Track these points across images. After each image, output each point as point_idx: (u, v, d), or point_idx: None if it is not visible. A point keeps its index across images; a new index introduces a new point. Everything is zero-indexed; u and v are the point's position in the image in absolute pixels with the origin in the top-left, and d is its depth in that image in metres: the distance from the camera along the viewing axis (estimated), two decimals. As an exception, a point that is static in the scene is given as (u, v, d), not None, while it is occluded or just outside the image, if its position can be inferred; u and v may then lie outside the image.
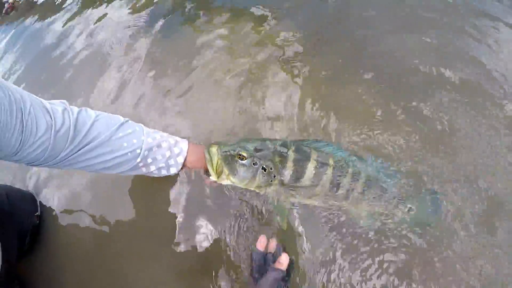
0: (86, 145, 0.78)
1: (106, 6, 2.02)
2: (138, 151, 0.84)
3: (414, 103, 1.10)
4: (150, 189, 1.14)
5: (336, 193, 0.84)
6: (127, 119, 0.88)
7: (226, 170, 0.81)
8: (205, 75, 1.34)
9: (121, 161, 0.84)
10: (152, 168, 0.89)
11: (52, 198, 1.28)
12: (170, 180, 1.11)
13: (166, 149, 0.89)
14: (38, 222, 1.24)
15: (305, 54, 1.30)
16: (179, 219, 1.06)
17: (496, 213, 0.90)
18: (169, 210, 1.08)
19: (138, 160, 0.85)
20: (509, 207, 0.91)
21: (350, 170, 0.82)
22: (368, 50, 1.27)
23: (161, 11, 1.75)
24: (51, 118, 0.73)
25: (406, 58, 1.22)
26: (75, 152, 0.78)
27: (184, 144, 0.91)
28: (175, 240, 1.03)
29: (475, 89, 1.11)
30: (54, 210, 1.25)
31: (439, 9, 1.35)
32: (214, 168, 0.81)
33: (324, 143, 0.86)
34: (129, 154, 0.84)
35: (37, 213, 1.24)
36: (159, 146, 0.88)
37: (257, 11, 1.52)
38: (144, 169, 0.89)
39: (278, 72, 1.26)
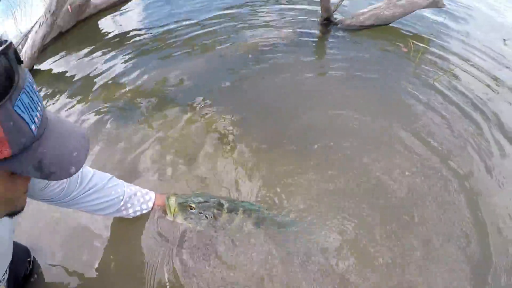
0: (88, 190, 1.05)
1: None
2: (121, 197, 1.12)
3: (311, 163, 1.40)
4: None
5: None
6: (112, 175, 1.14)
7: (179, 216, 1.15)
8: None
9: (109, 205, 1.11)
10: (130, 211, 1.16)
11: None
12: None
13: (140, 197, 1.18)
14: (31, 267, 1.19)
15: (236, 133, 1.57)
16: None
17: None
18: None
19: (121, 204, 1.13)
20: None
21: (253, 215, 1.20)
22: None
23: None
24: None
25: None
26: (81, 195, 1.03)
27: (152, 194, 1.21)
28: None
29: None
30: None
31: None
32: (172, 212, 1.15)
33: (244, 202, 1.26)
34: (115, 199, 1.11)
35: (29, 259, 1.23)
36: (135, 194, 1.17)
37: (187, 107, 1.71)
38: (124, 212, 1.16)
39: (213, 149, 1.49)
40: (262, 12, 2.56)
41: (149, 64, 2.01)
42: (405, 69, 1.98)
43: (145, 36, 2.30)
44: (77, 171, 0.59)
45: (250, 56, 2.05)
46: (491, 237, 1.16)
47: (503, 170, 1.39)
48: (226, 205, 1.18)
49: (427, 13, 2.57)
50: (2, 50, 0.47)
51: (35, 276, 1.17)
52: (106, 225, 1.26)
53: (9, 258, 0.94)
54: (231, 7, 2.62)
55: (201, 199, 1.19)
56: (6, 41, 0.49)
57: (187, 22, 2.42)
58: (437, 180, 1.33)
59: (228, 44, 2.17)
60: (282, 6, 2.64)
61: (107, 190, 1.09)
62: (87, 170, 1.07)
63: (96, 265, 1.16)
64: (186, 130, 1.57)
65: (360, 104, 1.67)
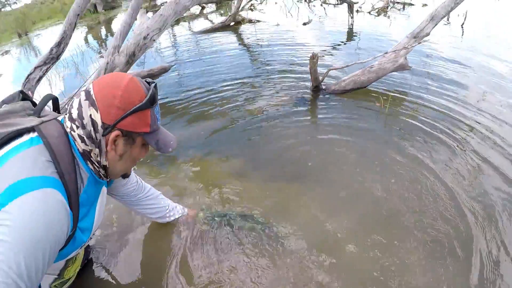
0: (147, 196, 1.50)
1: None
2: (167, 207, 1.61)
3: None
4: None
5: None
6: (160, 192, 1.60)
7: (204, 223, 1.66)
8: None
9: (158, 211, 1.58)
10: (172, 218, 1.63)
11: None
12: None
13: (179, 209, 1.67)
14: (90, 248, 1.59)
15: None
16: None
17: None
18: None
19: (167, 211, 1.60)
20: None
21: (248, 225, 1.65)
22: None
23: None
24: (136, 177, 1.46)
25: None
26: (143, 198, 1.49)
27: (185, 208, 1.70)
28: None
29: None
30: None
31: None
32: (199, 219, 1.67)
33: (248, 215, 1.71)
34: (163, 208, 1.59)
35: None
36: (175, 207, 1.66)
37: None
38: (167, 218, 1.62)
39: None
40: (263, 81, 3.30)
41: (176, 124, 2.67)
42: (378, 118, 2.57)
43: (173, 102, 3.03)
44: (171, 151, 1.05)
45: (256, 117, 2.71)
46: None
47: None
48: (233, 215, 1.69)
49: (396, 74, 3.23)
50: (154, 84, 0.97)
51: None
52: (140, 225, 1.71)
53: (100, 220, 1.17)
54: (238, 78, 3.38)
55: (218, 213, 1.73)
56: (153, 81, 0.98)
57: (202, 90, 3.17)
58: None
59: (237, 109, 2.86)
60: (281, 75, 3.39)
61: (159, 200, 1.56)
62: (146, 184, 1.51)
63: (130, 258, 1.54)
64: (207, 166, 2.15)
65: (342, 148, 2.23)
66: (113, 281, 1.47)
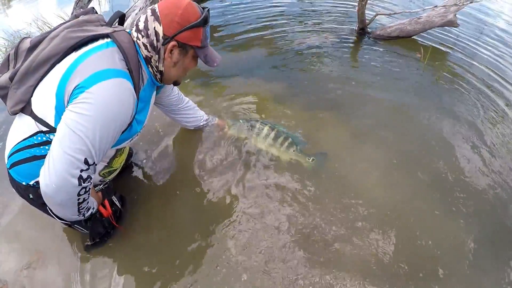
0: (186, 107, 1.80)
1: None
2: (203, 117, 1.91)
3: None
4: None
5: (273, 142, 1.86)
6: (195, 104, 1.87)
7: (231, 127, 1.93)
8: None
9: (195, 119, 1.88)
10: (204, 125, 1.93)
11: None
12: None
13: (211, 119, 1.96)
14: (133, 151, 1.87)
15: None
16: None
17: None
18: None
19: (202, 120, 1.90)
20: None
21: (282, 136, 1.86)
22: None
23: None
24: (177, 90, 1.71)
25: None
26: (183, 108, 1.78)
27: (215, 118, 1.99)
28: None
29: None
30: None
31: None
32: (228, 125, 1.93)
33: (272, 122, 1.96)
34: (199, 117, 1.89)
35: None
36: (208, 117, 1.95)
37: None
38: (201, 126, 1.93)
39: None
40: (311, 18, 3.36)
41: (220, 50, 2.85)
42: (415, 68, 2.69)
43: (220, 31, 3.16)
44: (216, 66, 1.27)
45: (299, 50, 2.84)
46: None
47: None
48: (260, 122, 1.93)
49: (444, 29, 3.23)
50: (208, 9, 1.19)
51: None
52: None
53: (148, 119, 1.37)
54: (286, 14, 3.43)
55: (244, 121, 1.97)
56: (207, 7, 1.21)
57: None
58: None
59: (285, 41, 2.99)
60: (328, 14, 3.42)
61: (195, 110, 1.87)
62: (185, 97, 1.78)
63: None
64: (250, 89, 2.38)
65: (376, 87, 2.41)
66: (148, 181, 1.77)
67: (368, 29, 3.15)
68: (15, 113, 1.12)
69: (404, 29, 3.05)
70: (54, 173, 1.00)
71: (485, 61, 2.86)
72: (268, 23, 3.29)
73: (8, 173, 1.20)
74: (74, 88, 1.02)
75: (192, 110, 1.85)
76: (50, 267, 1.44)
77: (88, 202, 1.20)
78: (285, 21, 3.33)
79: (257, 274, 1.38)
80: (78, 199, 1.10)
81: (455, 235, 1.54)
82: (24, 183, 1.17)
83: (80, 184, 1.05)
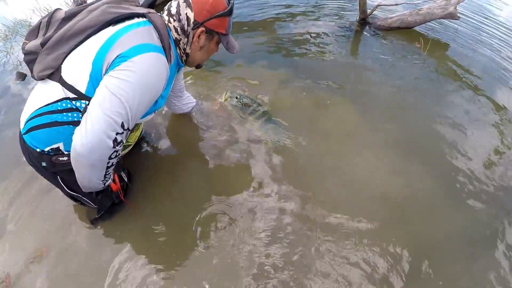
0: (186, 93, 1.88)
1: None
2: (196, 101, 1.96)
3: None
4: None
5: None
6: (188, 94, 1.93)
7: (228, 100, 1.96)
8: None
9: (192, 105, 1.93)
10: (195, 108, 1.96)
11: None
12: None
13: (200, 102, 1.99)
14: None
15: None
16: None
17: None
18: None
19: (197, 105, 1.95)
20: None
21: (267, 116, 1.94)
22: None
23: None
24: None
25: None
26: (184, 94, 1.86)
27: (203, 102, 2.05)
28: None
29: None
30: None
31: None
32: (224, 97, 1.96)
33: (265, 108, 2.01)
34: (194, 101, 1.95)
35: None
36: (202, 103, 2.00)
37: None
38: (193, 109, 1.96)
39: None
40: (312, 6, 3.39)
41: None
42: (416, 58, 2.73)
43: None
44: (235, 52, 1.40)
45: (300, 38, 2.88)
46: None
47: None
48: (256, 102, 1.97)
49: (444, 22, 3.28)
50: (233, 1, 1.30)
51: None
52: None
53: (165, 99, 1.45)
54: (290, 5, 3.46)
55: (242, 96, 2.00)
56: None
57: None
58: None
59: (286, 30, 3.02)
60: (330, 3, 3.45)
61: (191, 98, 1.93)
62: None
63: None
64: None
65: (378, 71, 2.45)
66: (154, 157, 1.81)
67: (369, 20, 3.18)
68: (42, 78, 1.15)
69: (404, 20, 3.09)
70: (92, 133, 1.03)
71: (486, 52, 2.91)
72: (270, 13, 3.31)
73: (22, 139, 1.22)
74: (116, 57, 1.08)
75: (190, 98, 1.95)
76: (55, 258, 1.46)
77: (112, 169, 1.25)
78: (287, 11, 3.36)
79: (265, 239, 1.44)
80: (108, 163, 1.15)
81: (459, 225, 1.56)
82: (38, 150, 1.20)
83: (114, 147, 1.09)
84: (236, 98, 1.96)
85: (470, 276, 1.38)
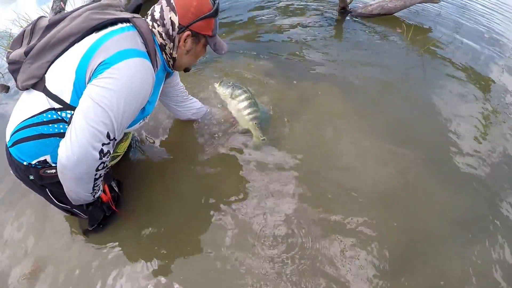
0: (191, 99, 1.82)
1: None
2: (205, 108, 1.91)
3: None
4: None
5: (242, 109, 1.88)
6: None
7: (220, 86, 1.95)
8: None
9: (200, 111, 1.89)
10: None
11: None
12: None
13: (205, 107, 1.92)
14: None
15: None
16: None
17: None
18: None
19: (206, 111, 1.91)
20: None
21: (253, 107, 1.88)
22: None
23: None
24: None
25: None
26: (188, 100, 1.80)
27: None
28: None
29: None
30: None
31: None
32: (218, 84, 1.95)
33: (251, 94, 1.94)
34: (203, 108, 1.90)
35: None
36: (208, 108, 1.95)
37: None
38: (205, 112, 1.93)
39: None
40: (294, 2, 3.37)
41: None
42: (399, 43, 2.75)
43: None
44: (224, 53, 1.37)
45: (282, 31, 2.86)
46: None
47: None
48: (242, 89, 1.91)
49: (425, 6, 3.29)
50: (218, 1, 1.26)
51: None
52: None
53: (153, 105, 1.40)
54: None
55: (232, 83, 1.97)
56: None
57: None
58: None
59: (268, 23, 3.01)
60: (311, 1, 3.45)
61: (198, 103, 1.86)
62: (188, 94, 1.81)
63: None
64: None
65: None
66: (145, 165, 1.79)
67: (349, 8, 3.18)
68: (26, 88, 1.12)
69: (385, 6, 3.10)
70: (77, 145, 1.01)
71: (470, 34, 2.95)
72: (251, 6, 3.28)
73: (8, 152, 1.19)
74: (99, 64, 1.05)
75: (196, 102, 1.86)
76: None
77: (101, 181, 1.22)
78: (267, 5, 3.33)
79: (263, 241, 1.44)
80: (95, 175, 1.12)
81: (448, 209, 1.57)
82: (25, 163, 1.17)
83: (100, 158, 1.07)
84: (229, 84, 1.95)
85: (464, 261, 1.40)
